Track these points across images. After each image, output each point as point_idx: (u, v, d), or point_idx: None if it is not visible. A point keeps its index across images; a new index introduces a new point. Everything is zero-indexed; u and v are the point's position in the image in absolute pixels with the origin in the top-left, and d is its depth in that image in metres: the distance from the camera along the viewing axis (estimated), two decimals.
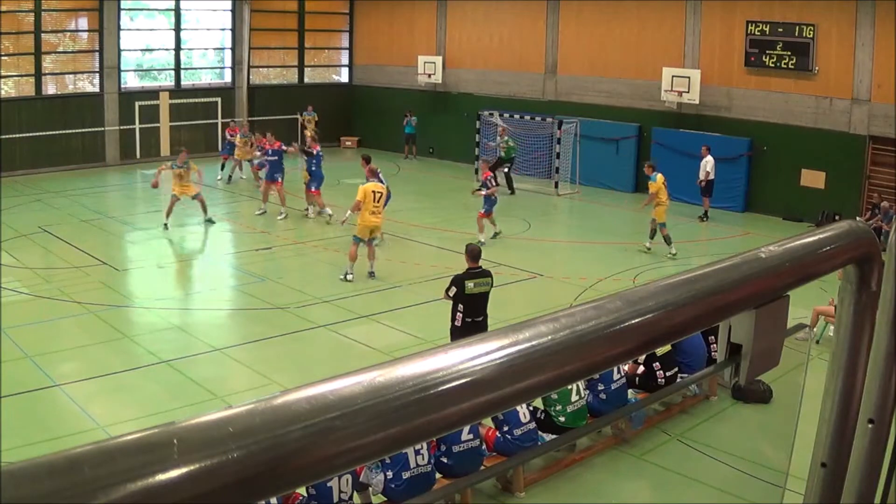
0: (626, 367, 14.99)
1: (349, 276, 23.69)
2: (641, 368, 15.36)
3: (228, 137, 39.05)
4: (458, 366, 1.50)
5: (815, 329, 18.66)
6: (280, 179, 31.75)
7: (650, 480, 13.78)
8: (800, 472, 3.57)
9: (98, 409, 15.50)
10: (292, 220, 31.87)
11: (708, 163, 31.96)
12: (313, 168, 30.70)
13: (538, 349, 1.63)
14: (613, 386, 14.38)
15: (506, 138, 37.81)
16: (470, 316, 15.86)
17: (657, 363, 15.23)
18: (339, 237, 27.88)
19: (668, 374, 15.33)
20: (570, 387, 13.45)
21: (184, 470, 1.20)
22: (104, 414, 15.26)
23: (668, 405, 15.81)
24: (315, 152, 30.85)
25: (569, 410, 13.73)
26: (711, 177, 31.98)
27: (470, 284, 15.85)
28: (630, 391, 14.90)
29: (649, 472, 13.91)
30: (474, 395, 1.51)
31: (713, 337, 15.19)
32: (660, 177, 26.44)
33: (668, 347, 15.09)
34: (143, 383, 16.96)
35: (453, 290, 15.89)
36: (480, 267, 16.23)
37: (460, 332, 15.57)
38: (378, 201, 23.71)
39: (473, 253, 16.32)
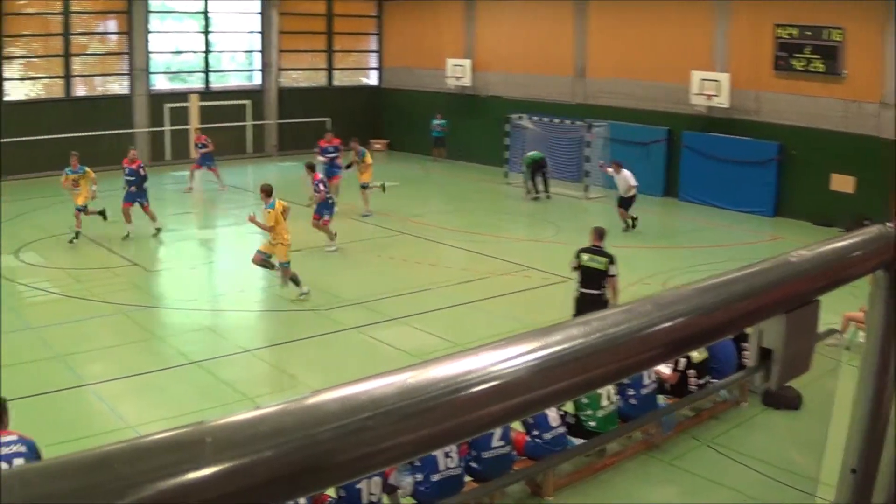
0: (665, 373, 14.96)
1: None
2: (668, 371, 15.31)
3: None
4: (489, 368, 1.50)
5: (845, 335, 18.56)
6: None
7: (680, 486, 13.73)
8: (830, 478, 3.57)
9: (127, 409, 15.57)
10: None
11: (628, 178, 30.85)
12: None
13: (569, 352, 1.63)
14: (644, 391, 14.33)
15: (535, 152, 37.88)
16: (584, 287, 18.05)
17: (692, 370, 15.16)
18: (370, 240, 27.99)
19: (700, 381, 15.25)
20: (600, 391, 13.45)
21: (215, 468, 1.20)
22: (133, 414, 15.33)
23: (698, 411, 15.76)
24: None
25: (599, 415, 13.69)
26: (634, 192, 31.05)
27: (585, 257, 18.09)
28: (661, 397, 14.86)
29: (679, 478, 13.87)
30: (505, 398, 1.51)
31: (745, 343, 15.14)
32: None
33: (705, 354, 15.09)
34: (173, 384, 17.04)
35: (575, 261, 18.20)
36: (601, 247, 18.22)
37: (577, 302, 18.10)
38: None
39: (598, 232, 18.39)
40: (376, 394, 1.38)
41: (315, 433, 1.29)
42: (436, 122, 46.23)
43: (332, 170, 33.31)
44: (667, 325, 1.85)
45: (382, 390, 1.39)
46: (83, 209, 28.14)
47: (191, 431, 1.24)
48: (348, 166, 32.58)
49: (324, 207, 27.12)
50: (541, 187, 37.12)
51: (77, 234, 27.69)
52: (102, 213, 29.10)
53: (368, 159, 32.26)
